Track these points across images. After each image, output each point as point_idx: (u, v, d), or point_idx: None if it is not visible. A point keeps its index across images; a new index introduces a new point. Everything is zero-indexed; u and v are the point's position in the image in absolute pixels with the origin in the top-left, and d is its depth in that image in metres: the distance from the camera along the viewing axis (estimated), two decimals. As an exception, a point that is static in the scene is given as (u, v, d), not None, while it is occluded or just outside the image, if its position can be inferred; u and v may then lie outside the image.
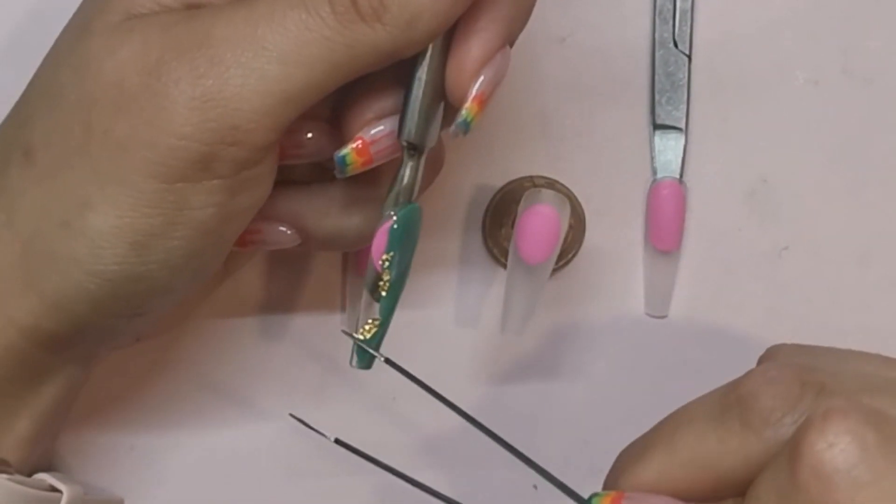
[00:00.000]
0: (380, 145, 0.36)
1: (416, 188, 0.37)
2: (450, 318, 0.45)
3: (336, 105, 0.37)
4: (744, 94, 0.45)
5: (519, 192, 0.44)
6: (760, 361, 0.36)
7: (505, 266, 0.44)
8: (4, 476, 0.37)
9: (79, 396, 0.41)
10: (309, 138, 0.37)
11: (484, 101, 0.35)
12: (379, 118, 0.36)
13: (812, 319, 0.46)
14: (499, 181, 0.45)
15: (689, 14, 0.45)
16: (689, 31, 0.45)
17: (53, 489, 0.39)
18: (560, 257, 0.44)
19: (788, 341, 0.45)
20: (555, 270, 0.44)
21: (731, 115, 0.45)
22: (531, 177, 0.45)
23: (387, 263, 0.36)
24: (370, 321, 0.37)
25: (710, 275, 0.45)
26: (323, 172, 0.39)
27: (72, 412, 0.41)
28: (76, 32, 0.36)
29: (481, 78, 0.35)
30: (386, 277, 0.36)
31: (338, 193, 0.39)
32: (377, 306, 0.37)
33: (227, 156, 0.34)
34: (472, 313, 0.45)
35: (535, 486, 0.45)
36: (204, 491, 0.45)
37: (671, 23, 0.45)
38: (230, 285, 0.44)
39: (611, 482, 0.36)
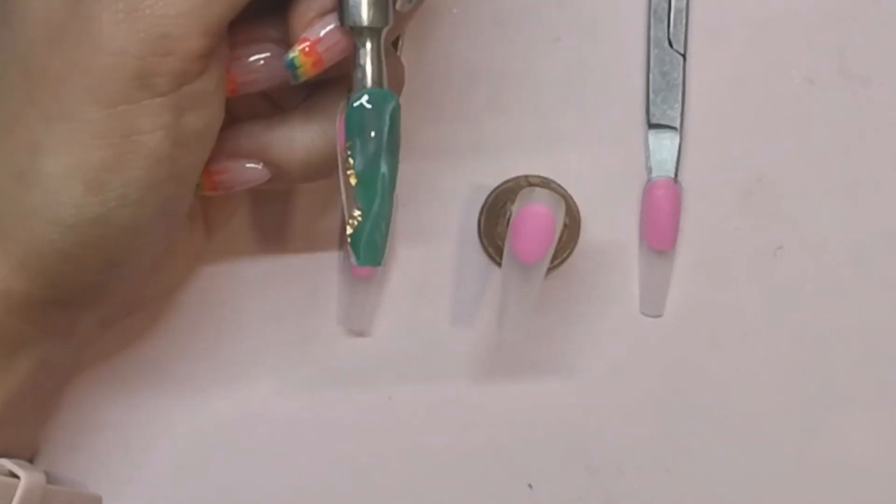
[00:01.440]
0: (327, 42, 0.36)
1: (382, 75, 0.36)
2: (445, 317, 0.45)
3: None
4: (739, 94, 0.45)
5: (514, 192, 0.44)
6: None
7: (500, 265, 0.44)
8: None
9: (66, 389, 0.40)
10: (257, 62, 0.37)
11: None
12: (322, 14, 0.36)
13: (808, 319, 0.45)
14: (494, 180, 0.45)
15: (683, 13, 0.45)
16: (683, 30, 0.45)
17: (13, 475, 0.38)
18: (555, 257, 0.44)
19: (782, 340, 0.45)
20: (550, 270, 0.43)
21: (727, 114, 0.45)
22: (526, 176, 0.45)
23: (349, 151, 0.35)
24: (353, 215, 0.36)
25: (705, 274, 0.45)
26: (286, 107, 0.39)
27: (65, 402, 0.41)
28: None
29: None
30: (350, 165, 0.35)
31: (298, 116, 0.38)
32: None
33: (164, 68, 0.33)
34: (467, 313, 0.45)
35: (530, 486, 0.45)
36: (189, 468, 0.45)
37: (666, 22, 0.45)
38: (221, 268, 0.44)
39: None
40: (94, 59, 0.33)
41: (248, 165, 0.38)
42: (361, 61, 0.36)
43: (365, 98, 0.35)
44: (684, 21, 0.45)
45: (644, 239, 0.45)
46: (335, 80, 0.38)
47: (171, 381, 0.45)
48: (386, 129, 0.36)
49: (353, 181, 0.36)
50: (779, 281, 0.45)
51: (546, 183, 0.45)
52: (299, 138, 0.38)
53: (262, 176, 0.38)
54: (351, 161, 0.35)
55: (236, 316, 0.45)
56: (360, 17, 0.35)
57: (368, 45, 0.35)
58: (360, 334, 0.45)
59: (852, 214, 0.46)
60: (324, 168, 0.38)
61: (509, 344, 0.45)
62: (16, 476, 0.38)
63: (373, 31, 0.35)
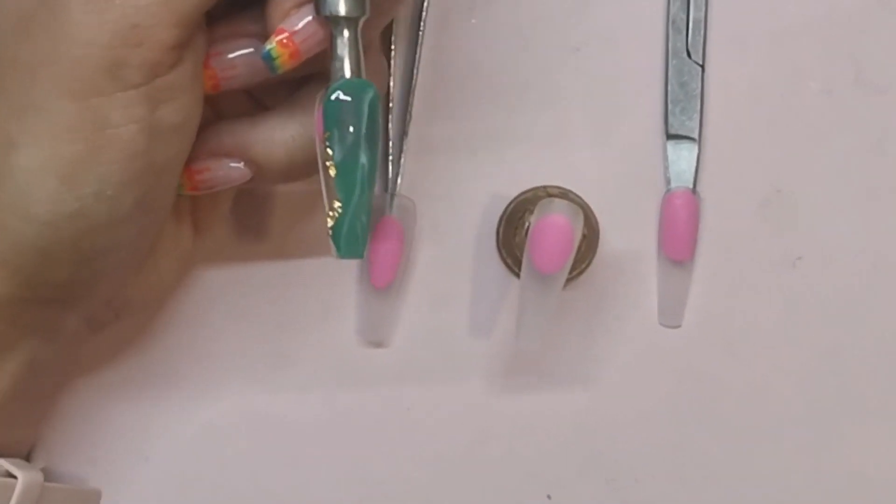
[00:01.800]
0: (304, 33, 0.35)
1: (360, 65, 0.35)
2: (464, 327, 0.45)
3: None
4: (757, 104, 0.45)
5: (532, 202, 0.44)
6: None
7: (518, 276, 0.44)
8: None
9: (63, 388, 0.40)
10: (236, 58, 0.36)
11: None
12: (299, 5, 0.35)
13: (826, 330, 0.45)
14: (512, 191, 0.45)
15: (702, 24, 0.45)
16: (702, 40, 0.45)
17: (10, 475, 0.38)
18: (574, 267, 0.44)
19: (801, 351, 0.45)
20: (568, 280, 0.43)
21: (745, 124, 0.45)
22: (545, 186, 0.45)
23: (327, 142, 0.35)
24: (334, 207, 0.36)
25: (723, 285, 0.45)
26: (265, 104, 0.39)
27: (63, 403, 0.41)
28: None
29: None
30: (328, 155, 0.35)
31: (279, 115, 0.38)
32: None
33: (135, 59, 0.33)
34: (485, 323, 0.45)
35: (549, 497, 0.45)
36: (193, 474, 0.45)
37: (684, 33, 0.45)
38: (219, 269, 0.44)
39: None
40: (63, 50, 0.33)
41: (229, 164, 0.38)
42: (339, 51, 0.35)
43: (342, 88, 0.35)
44: (703, 32, 0.45)
45: (662, 249, 0.45)
46: (316, 76, 0.37)
47: (186, 390, 0.45)
48: (364, 119, 0.35)
49: (332, 172, 0.35)
50: (797, 291, 0.45)
51: (565, 193, 0.45)
52: (280, 136, 0.37)
53: (244, 175, 0.38)
54: (329, 152, 0.35)
55: (254, 324, 0.45)
56: (337, 6, 0.35)
57: (346, 35, 0.35)
58: (379, 345, 0.45)
59: (871, 224, 0.46)
60: (305, 167, 0.38)
61: (527, 354, 0.45)
62: (13, 476, 0.38)
63: (349, 21, 0.35)
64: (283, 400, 0.45)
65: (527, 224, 0.44)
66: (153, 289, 0.41)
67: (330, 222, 0.36)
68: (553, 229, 0.41)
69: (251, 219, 0.45)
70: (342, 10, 0.35)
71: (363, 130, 0.35)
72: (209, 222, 0.41)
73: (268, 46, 0.35)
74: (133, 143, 0.34)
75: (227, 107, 0.39)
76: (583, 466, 0.45)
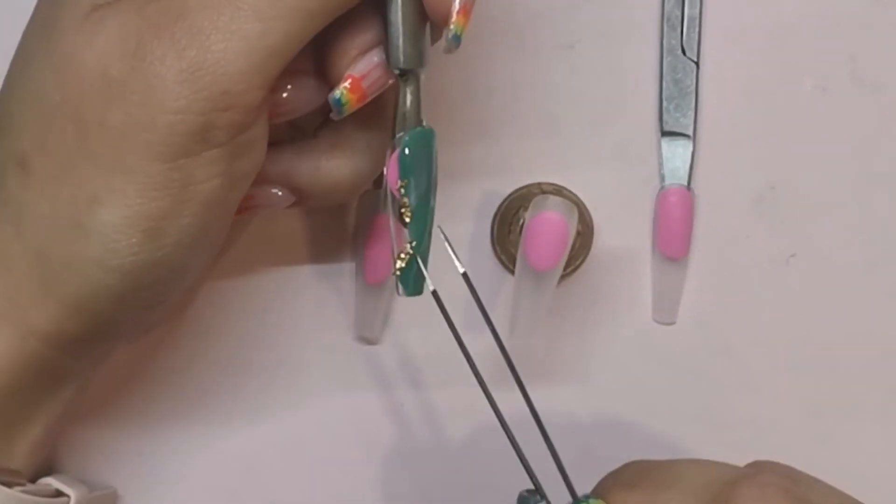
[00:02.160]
0: (370, 78, 0.36)
1: (420, 111, 0.37)
2: (457, 324, 0.45)
3: (317, 55, 0.37)
4: (752, 101, 0.45)
5: (527, 199, 0.44)
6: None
7: (513, 272, 0.44)
8: (18, 488, 0.37)
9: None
10: (291, 93, 0.37)
11: (468, 11, 0.36)
12: (364, 52, 0.36)
13: (819, 327, 0.45)
14: (507, 188, 0.45)
15: (697, 21, 0.45)
16: (697, 37, 0.45)
17: (59, 493, 0.39)
18: (568, 264, 0.44)
19: (795, 348, 0.45)
20: (563, 277, 0.44)
21: (739, 121, 0.45)
22: (539, 183, 0.45)
23: (403, 190, 0.37)
24: (405, 249, 0.37)
25: (717, 281, 0.45)
26: (306, 130, 0.40)
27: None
28: (44, 32, 0.35)
29: None
30: (406, 203, 0.37)
31: (324, 145, 0.39)
32: (407, 234, 0.37)
33: (223, 122, 0.34)
34: (479, 320, 0.45)
35: (543, 493, 0.45)
36: (207, 489, 0.45)
37: (679, 29, 0.45)
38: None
39: (602, 486, 0.36)
40: (157, 116, 0.33)
41: (273, 191, 0.39)
42: (404, 101, 0.37)
43: (414, 138, 0.37)
44: (697, 28, 0.45)
45: (657, 246, 0.45)
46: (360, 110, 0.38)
47: (182, 388, 0.45)
48: (434, 165, 0.37)
49: (407, 218, 0.37)
50: (791, 288, 0.45)
51: (559, 190, 0.45)
52: (325, 167, 0.39)
53: (286, 201, 0.39)
54: (406, 200, 0.36)
55: (247, 325, 0.45)
56: (405, 59, 0.36)
57: (410, 85, 0.37)
58: (373, 342, 0.45)
59: (865, 222, 0.46)
60: (346, 195, 0.40)
61: (521, 350, 0.45)
62: (63, 494, 0.39)
63: (414, 73, 0.37)
64: (277, 397, 0.45)
65: (521, 221, 0.44)
66: (178, 304, 0.42)
67: (400, 264, 0.37)
68: (547, 226, 0.41)
69: (246, 218, 0.45)
70: (409, 63, 0.36)
71: (433, 176, 0.37)
72: (233, 239, 0.42)
73: (336, 93, 0.36)
74: (213, 195, 0.35)
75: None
76: (576, 462, 0.45)
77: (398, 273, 0.37)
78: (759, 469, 0.34)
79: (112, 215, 0.34)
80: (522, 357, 0.45)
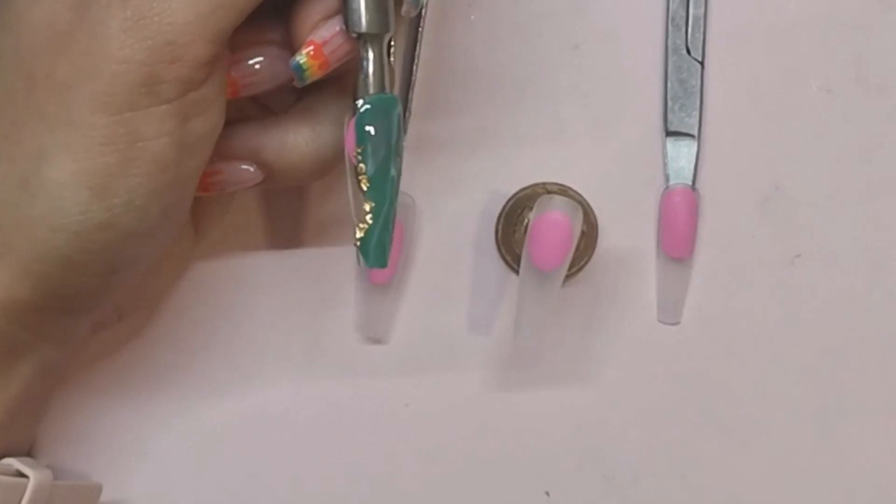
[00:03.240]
0: (332, 44, 0.36)
1: (385, 79, 0.36)
2: (462, 324, 0.45)
3: (285, 25, 0.37)
4: (757, 102, 0.45)
5: (531, 199, 0.44)
6: None
7: (517, 273, 0.44)
8: None
9: (64, 384, 0.40)
10: (257, 65, 0.37)
11: None
12: (327, 17, 0.36)
13: (825, 327, 0.45)
14: (511, 188, 0.45)
15: (701, 21, 0.45)
16: (701, 37, 0.45)
17: (21, 474, 0.38)
18: (572, 264, 0.44)
19: (800, 348, 0.45)
20: (567, 277, 0.43)
21: (744, 122, 0.45)
22: (544, 183, 0.45)
23: (360, 156, 0.36)
24: (364, 219, 0.37)
25: (722, 282, 0.45)
26: (280, 106, 0.39)
27: (61, 398, 0.41)
28: None
29: None
30: (362, 170, 0.36)
31: (293, 120, 0.39)
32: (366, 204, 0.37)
33: (170, 75, 0.33)
34: (484, 320, 0.45)
35: (548, 493, 0.45)
36: (192, 469, 0.45)
37: (684, 29, 0.45)
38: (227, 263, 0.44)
39: None
40: (101, 66, 0.33)
41: (241, 167, 0.38)
42: (366, 67, 0.36)
43: (373, 104, 0.36)
44: (702, 28, 0.45)
45: (661, 246, 0.45)
46: (326, 82, 0.38)
47: (185, 386, 0.45)
48: (394, 132, 0.36)
49: (364, 186, 0.36)
50: (796, 289, 0.45)
51: (564, 190, 0.45)
52: (292, 141, 0.38)
53: (255, 177, 0.39)
54: (362, 166, 0.36)
55: (251, 322, 0.45)
56: (365, 23, 0.36)
57: (372, 50, 0.36)
58: (378, 341, 0.45)
59: (869, 222, 0.46)
60: (316, 171, 0.39)
61: (526, 351, 0.45)
62: (24, 475, 0.38)
63: (376, 37, 0.36)
64: (281, 396, 0.45)
65: (526, 221, 0.44)
66: (155, 289, 0.42)
67: (359, 234, 0.37)
68: (552, 226, 0.41)
69: (249, 215, 0.45)
70: (369, 27, 0.36)
71: (393, 144, 0.36)
72: (210, 224, 0.42)
73: (298, 58, 0.36)
74: (163, 155, 0.34)
75: (233, 109, 0.39)
76: (581, 463, 0.45)
77: (357, 244, 0.37)
78: None
79: (58, 171, 0.34)
80: (527, 357, 0.45)
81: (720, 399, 0.45)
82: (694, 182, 0.45)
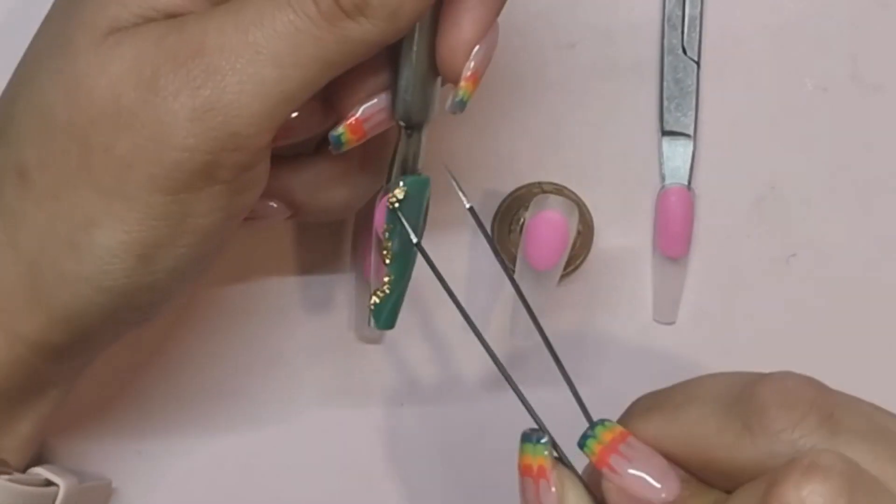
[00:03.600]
0: (373, 121, 0.37)
1: (420, 160, 0.37)
2: (458, 323, 0.45)
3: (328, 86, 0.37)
4: (752, 101, 0.45)
5: (527, 198, 0.43)
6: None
7: (513, 272, 0.44)
8: (4, 477, 0.37)
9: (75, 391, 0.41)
10: (296, 119, 0.37)
11: (478, 78, 0.36)
12: (370, 95, 0.36)
13: (820, 326, 0.45)
14: (507, 187, 0.45)
15: (697, 20, 0.45)
16: (697, 37, 0.45)
17: (49, 482, 0.39)
18: (568, 263, 0.44)
19: (795, 347, 0.45)
20: (563, 276, 0.43)
21: (740, 121, 0.45)
22: (539, 183, 0.45)
23: (388, 234, 0.37)
24: (382, 287, 0.38)
25: (718, 281, 0.45)
26: (307, 145, 0.40)
27: (67, 407, 0.41)
28: (56, 47, 0.35)
29: (474, 56, 0.35)
30: (388, 247, 0.37)
31: (325, 166, 0.39)
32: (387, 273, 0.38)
33: (229, 161, 0.34)
34: (479, 319, 0.45)
35: (544, 492, 0.45)
36: (191, 469, 0.45)
37: (680, 29, 0.45)
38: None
39: (621, 421, 0.36)
40: (165, 152, 0.33)
41: (270, 204, 0.39)
42: (404, 150, 0.37)
43: (406, 187, 0.37)
44: (698, 28, 0.45)
45: (657, 246, 0.45)
46: None
47: (181, 388, 0.45)
48: (422, 214, 0.37)
49: (387, 260, 0.37)
50: (791, 288, 0.45)
51: (559, 190, 0.45)
52: (325, 186, 0.39)
53: (282, 214, 0.40)
54: (389, 244, 0.37)
55: (247, 323, 0.45)
56: (409, 113, 0.36)
57: (412, 136, 0.37)
58: (373, 341, 0.45)
59: (865, 222, 0.46)
60: (344, 212, 0.41)
61: (521, 350, 0.45)
62: (53, 483, 0.39)
63: (418, 125, 0.37)
64: (278, 396, 0.45)
65: (521, 220, 0.44)
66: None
67: (375, 300, 0.38)
68: (547, 225, 0.41)
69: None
70: (415, 118, 0.36)
71: (422, 222, 0.37)
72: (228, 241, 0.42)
73: (338, 131, 0.37)
74: (212, 228, 0.35)
75: None
76: (577, 462, 0.45)
77: (372, 308, 0.38)
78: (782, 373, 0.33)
79: (108, 239, 0.34)
80: (522, 357, 0.45)
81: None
82: (690, 181, 0.45)
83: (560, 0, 0.45)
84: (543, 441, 0.35)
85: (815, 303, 0.45)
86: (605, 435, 0.34)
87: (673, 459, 0.33)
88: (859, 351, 0.46)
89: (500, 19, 0.45)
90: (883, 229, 0.46)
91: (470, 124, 0.45)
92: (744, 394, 0.32)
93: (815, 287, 0.45)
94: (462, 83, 0.35)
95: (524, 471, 0.35)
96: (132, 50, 0.34)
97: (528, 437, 0.35)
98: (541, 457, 0.35)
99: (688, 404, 0.33)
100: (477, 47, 0.35)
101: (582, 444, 0.34)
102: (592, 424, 0.35)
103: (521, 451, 0.35)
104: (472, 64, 0.35)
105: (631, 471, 0.33)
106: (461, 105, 0.36)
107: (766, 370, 0.45)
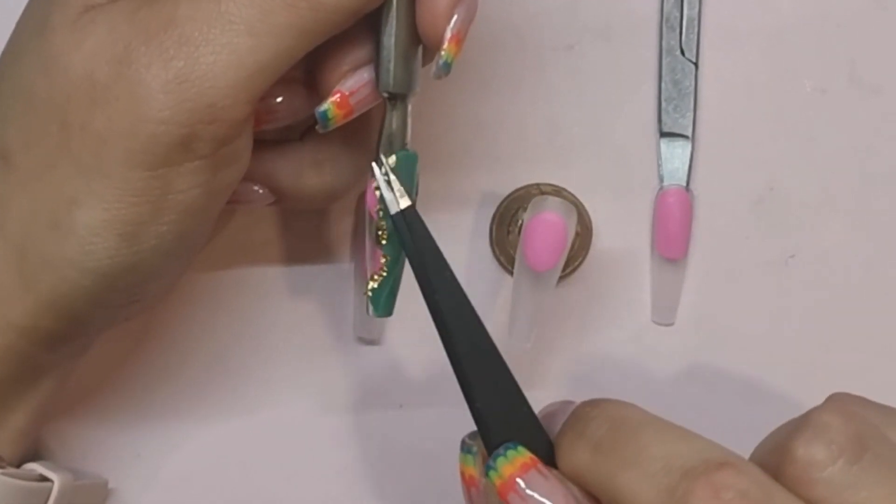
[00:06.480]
0: (359, 95, 0.36)
1: (407, 134, 0.37)
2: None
3: (308, 64, 0.37)
4: (751, 102, 0.45)
5: (526, 200, 0.43)
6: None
7: (511, 273, 0.44)
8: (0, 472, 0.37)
9: (69, 384, 0.41)
10: (280, 102, 0.37)
11: (461, 39, 0.36)
12: (354, 69, 0.36)
13: (819, 328, 0.45)
14: (506, 188, 0.45)
15: (696, 22, 0.45)
16: (696, 38, 0.45)
17: (43, 478, 0.39)
18: (567, 265, 0.44)
19: (794, 349, 0.45)
20: (561, 278, 0.43)
21: (738, 123, 0.45)
22: (538, 184, 0.45)
23: (381, 213, 0.37)
24: (378, 270, 0.37)
25: (716, 283, 0.45)
26: (293, 131, 0.40)
27: (62, 400, 0.41)
28: (34, 31, 0.35)
29: (455, 18, 0.35)
30: (383, 226, 0.37)
31: (309, 151, 0.39)
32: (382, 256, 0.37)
33: (207, 134, 0.33)
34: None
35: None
36: (190, 469, 0.45)
37: (678, 30, 0.45)
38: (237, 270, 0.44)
39: (563, 430, 0.35)
40: (140, 125, 0.33)
41: (254, 188, 0.39)
42: (389, 124, 0.37)
43: (396, 160, 0.37)
44: (696, 29, 0.45)
45: (656, 247, 0.45)
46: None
47: (181, 387, 0.45)
48: (414, 188, 0.37)
49: (384, 240, 0.37)
50: (790, 289, 0.45)
51: (558, 191, 0.45)
52: (308, 172, 0.39)
53: (266, 199, 0.40)
54: (383, 223, 0.37)
55: (247, 324, 0.45)
56: (392, 84, 0.36)
57: (397, 108, 0.37)
58: (372, 342, 0.45)
59: (864, 223, 0.46)
60: (328, 199, 0.40)
61: (520, 352, 0.45)
62: (47, 479, 0.39)
63: (403, 96, 0.36)
64: (276, 397, 0.45)
65: (520, 221, 0.44)
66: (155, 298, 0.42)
67: (373, 285, 0.38)
68: (546, 227, 0.41)
69: (244, 217, 0.45)
70: (398, 88, 0.36)
71: (413, 199, 0.37)
72: (217, 231, 0.42)
73: (323, 107, 0.36)
74: (193, 205, 0.35)
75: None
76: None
77: (370, 294, 0.38)
78: (728, 462, 0.31)
79: (89, 217, 0.34)
80: (520, 358, 0.45)
81: (714, 399, 0.45)
82: (688, 183, 0.45)
83: (559, 1, 0.45)
84: (473, 451, 0.34)
85: (814, 304, 0.45)
86: (505, 468, 0.33)
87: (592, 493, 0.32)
88: (859, 351, 0.45)
89: (497, 20, 0.45)
90: (882, 230, 0.46)
91: (468, 125, 0.45)
92: (678, 490, 0.30)
93: (814, 288, 0.45)
94: (445, 45, 0.35)
95: (462, 478, 0.35)
96: (105, 25, 0.34)
97: (462, 445, 0.35)
98: (470, 466, 0.34)
99: (630, 469, 0.31)
100: (457, 8, 0.35)
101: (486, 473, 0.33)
102: (494, 455, 0.33)
103: (459, 459, 0.35)
104: (453, 26, 0.35)
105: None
106: (446, 68, 0.36)
107: (764, 371, 0.45)
